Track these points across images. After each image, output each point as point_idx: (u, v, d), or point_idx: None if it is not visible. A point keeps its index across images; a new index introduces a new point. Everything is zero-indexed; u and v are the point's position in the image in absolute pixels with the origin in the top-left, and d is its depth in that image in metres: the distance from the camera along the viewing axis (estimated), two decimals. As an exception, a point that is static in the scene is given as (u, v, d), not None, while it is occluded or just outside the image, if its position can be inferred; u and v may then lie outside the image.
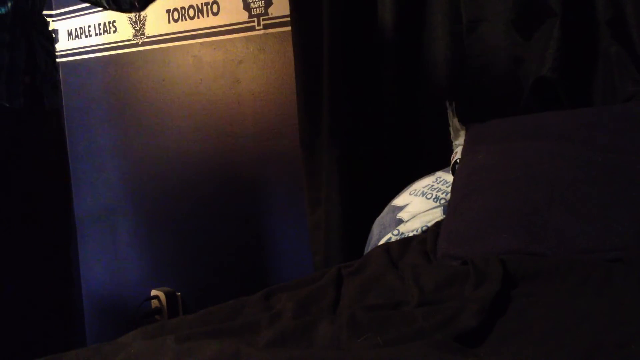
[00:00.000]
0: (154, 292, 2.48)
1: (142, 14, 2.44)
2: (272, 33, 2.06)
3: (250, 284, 2.20)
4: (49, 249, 1.63)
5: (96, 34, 2.65)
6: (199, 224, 2.37)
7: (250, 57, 2.13)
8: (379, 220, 1.59)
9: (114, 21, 2.56)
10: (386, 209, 1.59)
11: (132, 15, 2.48)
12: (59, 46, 2.83)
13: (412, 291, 1.02)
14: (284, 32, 2.02)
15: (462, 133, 1.53)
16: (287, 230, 2.12)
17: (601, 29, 1.44)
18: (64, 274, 1.70)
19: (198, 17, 2.25)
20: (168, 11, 2.35)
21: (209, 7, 2.21)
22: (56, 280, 1.66)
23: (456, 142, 1.55)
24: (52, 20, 2.81)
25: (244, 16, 2.12)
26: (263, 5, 2.06)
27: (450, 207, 1.32)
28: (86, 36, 2.70)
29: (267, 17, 2.06)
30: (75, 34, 2.75)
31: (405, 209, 1.52)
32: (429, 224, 1.42)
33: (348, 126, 1.76)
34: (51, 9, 2.82)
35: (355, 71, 1.75)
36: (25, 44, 1.52)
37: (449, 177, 1.52)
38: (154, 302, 2.46)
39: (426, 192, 1.53)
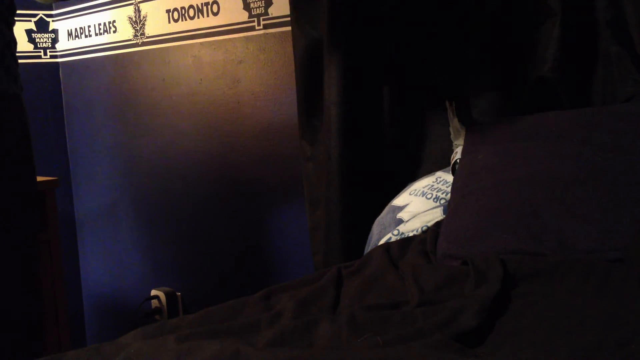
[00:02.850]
0: (154, 292, 2.48)
1: (142, 13, 2.44)
2: (272, 33, 2.06)
3: (251, 284, 2.21)
4: (12, 246, 1.53)
5: (96, 34, 2.65)
6: (199, 224, 2.38)
7: (250, 57, 2.13)
8: (379, 220, 1.59)
9: (114, 21, 2.56)
10: (386, 209, 1.59)
11: (132, 15, 2.48)
12: (59, 46, 2.83)
13: (412, 291, 1.02)
14: (284, 32, 2.02)
15: (462, 133, 1.53)
16: (287, 230, 2.12)
17: (601, 29, 1.44)
18: (30, 268, 1.60)
19: (198, 17, 2.25)
20: (168, 11, 2.35)
21: (209, 7, 2.21)
22: (20, 275, 1.56)
23: (456, 142, 1.55)
24: (52, 20, 2.82)
25: (244, 16, 2.12)
26: (263, 5, 2.06)
27: (450, 207, 1.32)
28: (86, 36, 2.70)
29: (267, 17, 2.06)
30: (75, 34, 2.75)
31: (405, 209, 1.52)
32: (429, 224, 1.42)
33: (348, 126, 1.76)
34: (51, 9, 2.82)
35: (355, 71, 1.75)
36: None
37: (449, 177, 1.52)
38: (154, 302, 2.46)
39: (426, 192, 1.53)
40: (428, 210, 1.48)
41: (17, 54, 1.59)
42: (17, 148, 1.55)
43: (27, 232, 1.59)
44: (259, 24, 2.08)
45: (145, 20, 2.43)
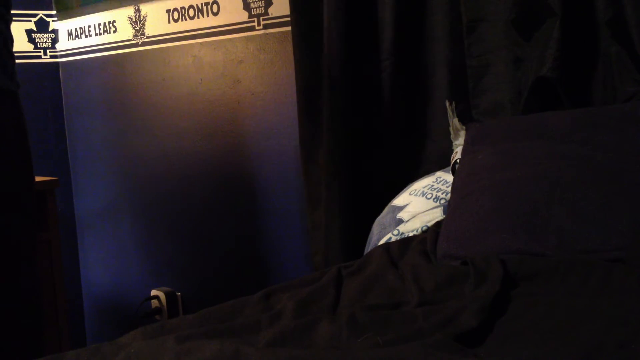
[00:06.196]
0: (154, 292, 2.48)
1: (142, 13, 2.44)
2: (272, 33, 2.06)
3: (250, 284, 2.21)
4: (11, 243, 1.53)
5: (96, 34, 2.65)
6: (199, 224, 2.38)
7: (250, 57, 2.13)
8: (379, 220, 1.59)
9: (114, 21, 2.56)
10: (386, 209, 1.59)
11: (132, 15, 2.48)
12: (59, 46, 2.83)
13: (412, 291, 1.02)
14: (284, 32, 2.02)
15: (462, 133, 1.53)
16: (287, 230, 2.12)
17: (601, 29, 1.44)
18: (30, 269, 1.59)
19: (198, 17, 2.25)
20: (168, 11, 2.35)
21: (209, 7, 2.21)
22: (20, 275, 1.55)
23: (456, 142, 1.55)
24: (52, 20, 2.82)
25: (244, 16, 2.12)
26: (263, 5, 2.06)
27: (450, 207, 1.32)
28: (86, 36, 2.70)
29: (267, 17, 2.06)
30: (75, 34, 2.75)
31: (405, 209, 1.52)
32: (429, 224, 1.42)
33: (348, 126, 1.76)
34: (51, 9, 2.82)
35: (355, 71, 1.75)
36: None
37: (449, 177, 1.52)
38: (154, 302, 2.46)
39: (426, 192, 1.53)
40: (428, 210, 1.48)
41: (17, 54, 1.58)
42: (13, 145, 1.54)
43: (26, 231, 1.58)
44: (259, 24, 2.08)
45: (145, 20, 2.43)
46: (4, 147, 1.51)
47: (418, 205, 1.51)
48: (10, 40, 1.55)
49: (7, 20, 1.54)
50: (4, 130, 1.51)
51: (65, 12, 1.45)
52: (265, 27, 2.07)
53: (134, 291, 2.62)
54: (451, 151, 1.56)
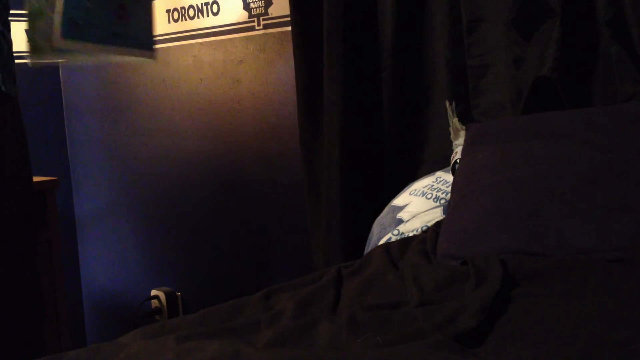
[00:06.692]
0: (154, 292, 2.48)
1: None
2: (272, 33, 2.06)
3: (250, 284, 2.21)
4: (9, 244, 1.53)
5: (96, 34, 2.65)
6: (199, 224, 2.38)
7: (250, 57, 2.13)
8: (379, 220, 1.59)
9: (114, 21, 2.56)
10: (386, 209, 1.59)
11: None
12: (59, 46, 2.82)
13: (412, 291, 1.02)
14: (284, 32, 2.02)
15: (462, 133, 1.53)
16: (287, 230, 2.12)
17: (601, 29, 1.44)
18: (30, 268, 1.60)
19: (198, 17, 2.25)
20: (168, 11, 2.35)
21: (209, 7, 2.21)
22: (20, 274, 1.57)
23: (456, 142, 1.55)
24: (52, 20, 2.81)
25: (244, 16, 2.12)
26: (263, 5, 2.06)
27: (450, 207, 1.32)
28: (86, 36, 2.70)
29: (267, 17, 2.06)
30: (75, 34, 2.74)
31: (405, 209, 1.52)
32: (429, 224, 1.42)
33: (348, 126, 1.76)
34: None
35: (355, 71, 1.75)
36: None
37: (449, 177, 1.52)
38: (154, 302, 2.46)
39: (426, 192, 1.53)
40: (428, 210, 1.48)
41: (17, 54, 1.60)
42: (15, 149, 1.56)
43: (26, 232, 1.59)
44: (259, 24, 2.08)
45: (145, 20, 2.43)
46: (5, 151, 1.52)
47: (418, 205, 1.51)
48: (11, 45, 1.56)
49: (9, 24, 1.55)
50: (7, 134, 1.53)
51: (37, 54, 1.48)
52: (265, 27, 2.07)
53: (134, 291, 2.62)
54: (451, 151, 1.56)
